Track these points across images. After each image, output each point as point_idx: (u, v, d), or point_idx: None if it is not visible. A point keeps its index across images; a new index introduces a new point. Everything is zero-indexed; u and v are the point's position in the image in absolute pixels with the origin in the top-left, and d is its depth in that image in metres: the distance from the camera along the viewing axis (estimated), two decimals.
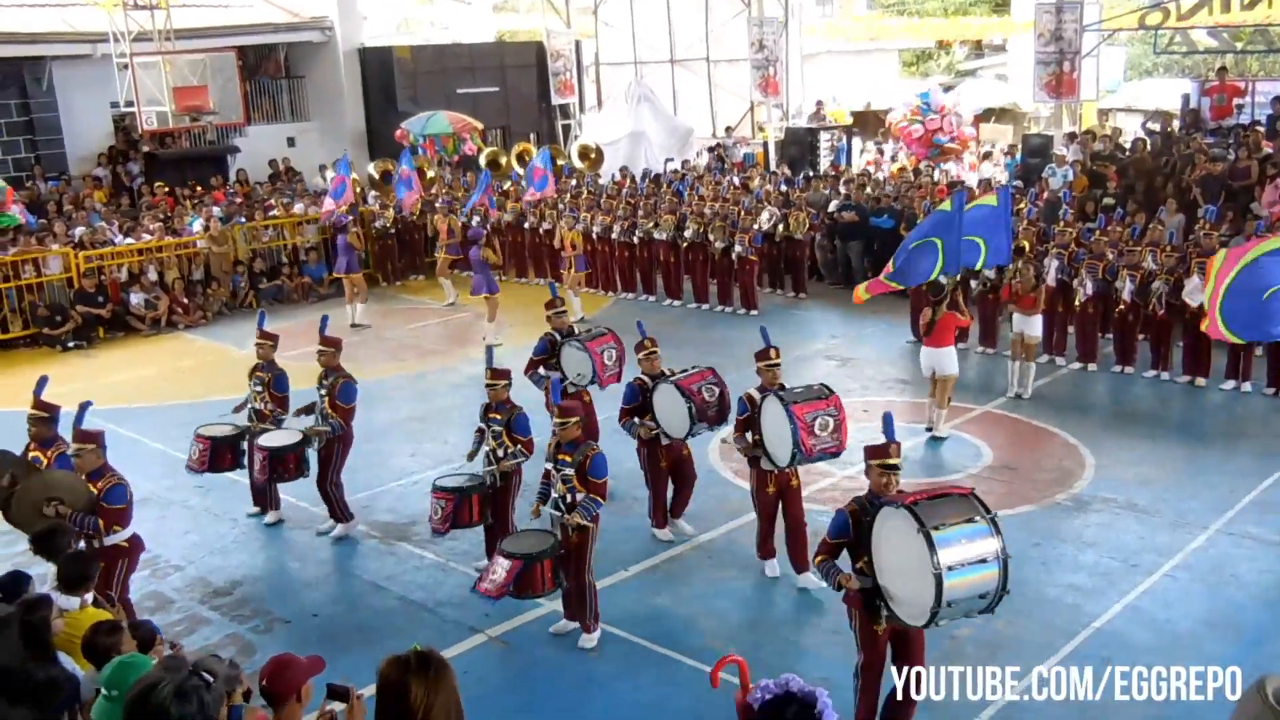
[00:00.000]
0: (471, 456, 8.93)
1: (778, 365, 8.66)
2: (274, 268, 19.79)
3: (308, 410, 9.80)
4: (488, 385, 8.67)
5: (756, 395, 8.36)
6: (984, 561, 5.60)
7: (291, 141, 24.98)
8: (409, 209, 19.85)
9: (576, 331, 10.55)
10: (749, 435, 8.35)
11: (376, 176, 21.66)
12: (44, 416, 8.33)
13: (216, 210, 19.74)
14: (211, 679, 3.24)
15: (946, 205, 11.78)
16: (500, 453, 8.49)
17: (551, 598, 7.90)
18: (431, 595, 8.56)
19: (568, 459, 7.64)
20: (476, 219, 19.04)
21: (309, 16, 24.95)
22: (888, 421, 6.56)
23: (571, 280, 17.10)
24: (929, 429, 11.64)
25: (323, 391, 9.62)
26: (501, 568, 7.38)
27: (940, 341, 11.50)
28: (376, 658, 3.41)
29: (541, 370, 10.31)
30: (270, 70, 25.97)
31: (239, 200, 20.90)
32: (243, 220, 19.68)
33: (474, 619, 8.11)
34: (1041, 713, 6.66)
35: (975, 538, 5.62)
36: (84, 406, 8.07)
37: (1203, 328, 10.23)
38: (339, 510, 9.75)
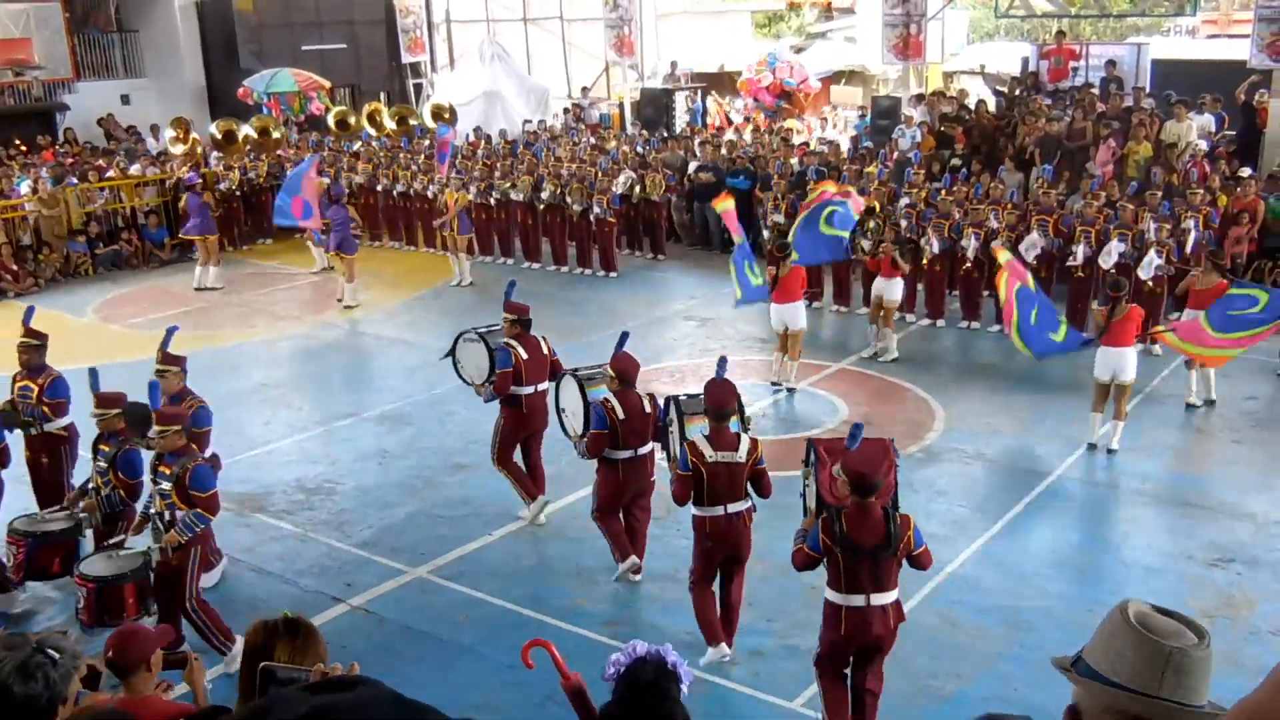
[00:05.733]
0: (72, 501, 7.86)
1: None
2: (111, 231, 18.85)
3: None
4: (94, 414, 7.57)
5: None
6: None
7: (126, 99, 23.77)
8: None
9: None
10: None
11: (219, 136, 20.80)
12: (35, 345, 8.52)
13: (45, 171, 18.66)
14: (57, 655, 3.05)
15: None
16: (106, 492, 7.43)
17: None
18: (290, 566, 8.34)
19: (167, 471, 6.81)
20: (326, 180, 18.50)
21: None
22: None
23: (460, 244, 16.71)
24: (776, 386, 11.90)
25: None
26: (81, 594, 6.77)
27: (790, 297, 11.76)
28: (236, 630, 3.30)
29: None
30: (100, 23, 24.63)
31: (70, 161, 19.80)
32: (74, 182, 18.65)
33: (336, 589, 7.94)
34: (898, 656, 6.87)
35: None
36: (171, 331, 8.45)
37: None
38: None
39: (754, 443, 6.79)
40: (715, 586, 7.06)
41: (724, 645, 6.94)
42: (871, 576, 5.64)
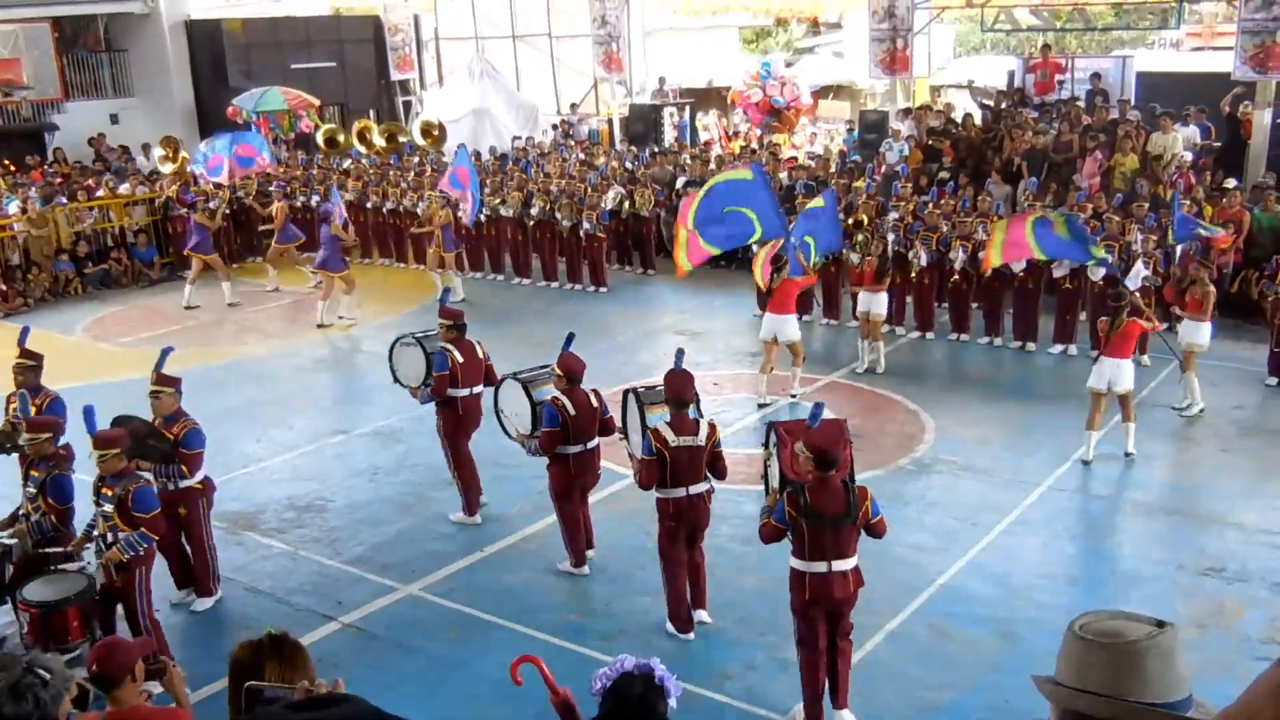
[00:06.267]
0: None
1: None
2: (101, 251, 18.82)
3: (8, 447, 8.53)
4: (26, 439, 7.48)
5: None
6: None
7: (115, 118, 23.77)
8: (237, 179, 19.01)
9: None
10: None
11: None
12: (31, 365, 8.56)
13: (34, 191, 18.64)
14: (47, 676, 3.05)
15: (747, 174, 11.80)
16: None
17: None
18: (281, 584, 8.32)
19: (110, 493, 6.79)
20: (316, 198, 18.53)
21: None
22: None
23: (449, 261, 16.68)
24: (762, 404, 11.88)
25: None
26: (25, 618, 6.60)
27: (784, 309, 11.78)
28: (226, 649, 3.29)
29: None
30: (89, 43, 24.66)
31: (59, 180, 19.78)
32: (63, 201, 18.63)
33: (327, 606, 7.92)
34: (891, 667, 6.90)
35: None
36: (166, 351, 8.34)
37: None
38: None
39: (712, 427, 7.29)
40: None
41: (703, 612, 7.47)
42: (833, 544, 6.09)
